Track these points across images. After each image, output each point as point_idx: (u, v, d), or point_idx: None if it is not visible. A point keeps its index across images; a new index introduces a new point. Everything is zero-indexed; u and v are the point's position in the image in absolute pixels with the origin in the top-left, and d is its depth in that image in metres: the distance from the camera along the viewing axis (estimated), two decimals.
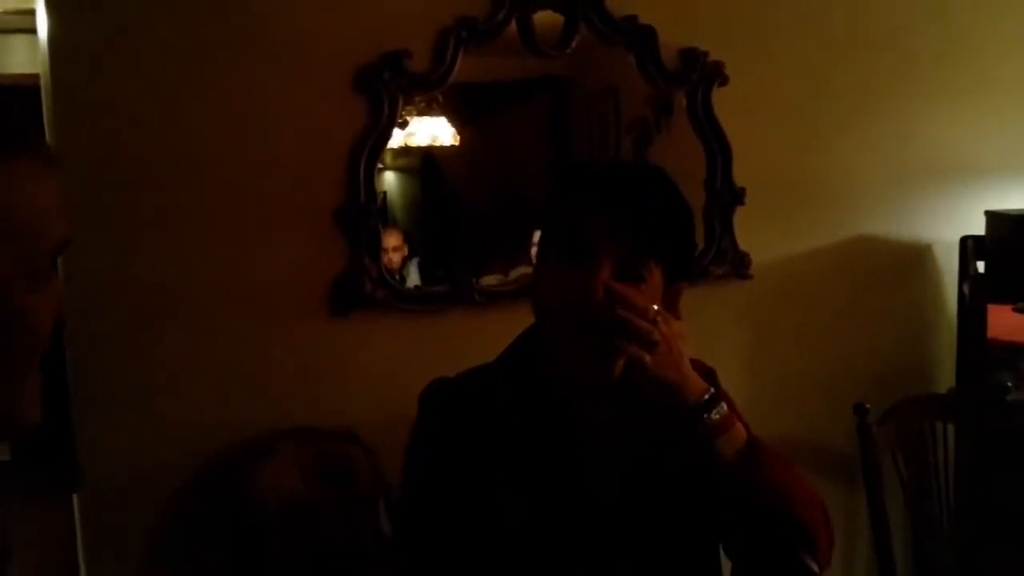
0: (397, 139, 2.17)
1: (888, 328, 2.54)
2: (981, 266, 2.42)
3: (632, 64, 2.23)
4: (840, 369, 2.48)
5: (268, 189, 2.00)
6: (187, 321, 1.98)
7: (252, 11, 1.96)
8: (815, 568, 1.04)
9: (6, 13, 3.43)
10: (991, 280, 2.38)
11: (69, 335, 1.89)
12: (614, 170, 1.21)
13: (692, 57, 2.25)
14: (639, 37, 2.20)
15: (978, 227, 2.44)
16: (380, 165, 2.11)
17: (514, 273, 2.28)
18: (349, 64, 2.02)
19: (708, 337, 2.00)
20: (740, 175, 2.31)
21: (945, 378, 2.55)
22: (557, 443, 1.10)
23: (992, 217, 2.42)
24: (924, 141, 2.51)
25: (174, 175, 1.95)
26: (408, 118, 2.20)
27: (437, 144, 2.35)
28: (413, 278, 2.38)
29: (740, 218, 2.33)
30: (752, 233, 2.35)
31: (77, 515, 1.96)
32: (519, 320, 1.17)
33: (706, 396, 1.03)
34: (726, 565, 1.17)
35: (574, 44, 2.15)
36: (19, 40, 3.67)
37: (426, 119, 2.28)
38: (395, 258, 2.33)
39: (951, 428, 2.33)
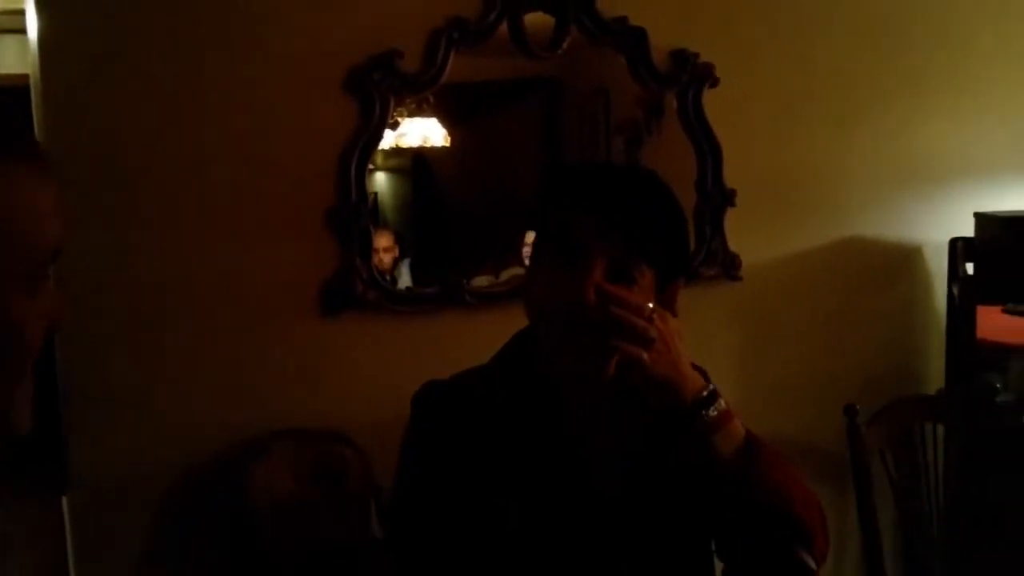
0: (388, 140, 2.17)
1: (878, 329, 2.55)
2: (970, 267, 2.44)
3: (623, 65, 2.23)
4: (830, 370, 2.48)
5: (259, 190, 2.00)
6: (179, 322, 1.97)
7: (243, 12, 1.96)
8: (812, 565, 1.04)
9: None
10: (980, 281, 2.40)
11: (61, 336, 1.88)
12: (605, 171, 1.21)
13: (683, 58, 2.26)
14: (630, 38, 2.20)
15: (967, 229, 2.46)
16: (371, 166, 2.11)
17: (505, 274, 2.28)
18: (340, 64, 2.02)
19: (698, 338, 1.99)
20: (730, 176, 2.31)
21: (934, 379, 2.56)
22: (554, 443, 1.10)
23: (981, 219, 2.43)
24: (913, 143, 2.52)
25: (164, 176, 1.94)
26: (399, 119, 2.20)
27: (428, 145, 2.35)
28: (404, 279, 2.37)
29: (731, 219, 2.34)
30: (742, 234, 2.36)
31: (67, 516, 1.95)
32: (510, 321, 1.17)
33: (704, 392, 1.03)
34: (719, 567, 1.17)
35: (565, 45, 2.16)
36: (9, 40, 3.64)
37: (417, 120, 2.28)
38: (386, 259, 2.33)
39: (940, 429, 2.34)
